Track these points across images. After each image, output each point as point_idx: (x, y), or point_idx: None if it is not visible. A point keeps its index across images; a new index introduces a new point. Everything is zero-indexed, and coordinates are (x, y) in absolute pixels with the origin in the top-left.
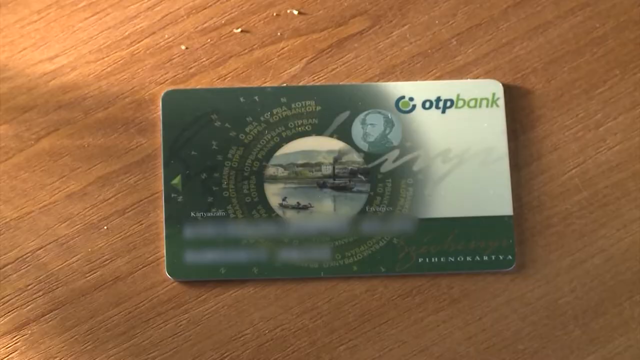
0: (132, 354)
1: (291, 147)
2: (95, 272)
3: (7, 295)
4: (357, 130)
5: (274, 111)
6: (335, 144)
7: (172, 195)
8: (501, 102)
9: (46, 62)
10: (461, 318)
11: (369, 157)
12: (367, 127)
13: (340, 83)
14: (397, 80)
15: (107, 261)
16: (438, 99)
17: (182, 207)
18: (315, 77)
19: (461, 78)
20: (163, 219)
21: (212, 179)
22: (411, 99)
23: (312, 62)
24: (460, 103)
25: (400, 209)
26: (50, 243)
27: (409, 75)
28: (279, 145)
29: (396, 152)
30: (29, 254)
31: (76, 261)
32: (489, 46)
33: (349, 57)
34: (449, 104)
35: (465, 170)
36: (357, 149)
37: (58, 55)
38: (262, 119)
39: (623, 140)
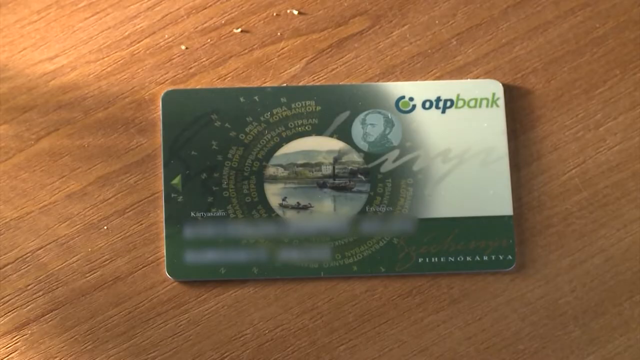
0: (132, 354)
1: (291, 147)
2: (95, 272)
3: (7, 295)
4: (357, 130)
5: (274, 111)
6: (335, 144)
7: (172, 195)
8: (501, 102)
9: (46, 62)
10: (461, 318)
11: (369, 157)
12: (367, 127)
13: (340, 83)
14: (397, 80)
15: (107, 261)
16: (438, 99)
17: (182, 207)
18: (315, 77)
19: (461, 78)
20: (163, 219)
21: (212, 179)
22: (411, 99)
23: (312, 62)
24: (460, 103)
25: (400, 209)
26: (50, 243)
27: (409, 75)
28: (279, 145)
29: (396, 152)
30: (29, 254)
31: (76, 261)
32: (489, 46)
33: (349, 57)
34: (449, 104)
35: (465, 170)
36: (357, 149)
37: (58, 55)
38: (262, 119)
39: (623, 140)
